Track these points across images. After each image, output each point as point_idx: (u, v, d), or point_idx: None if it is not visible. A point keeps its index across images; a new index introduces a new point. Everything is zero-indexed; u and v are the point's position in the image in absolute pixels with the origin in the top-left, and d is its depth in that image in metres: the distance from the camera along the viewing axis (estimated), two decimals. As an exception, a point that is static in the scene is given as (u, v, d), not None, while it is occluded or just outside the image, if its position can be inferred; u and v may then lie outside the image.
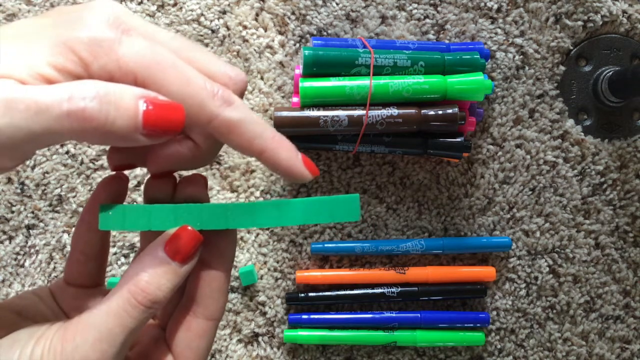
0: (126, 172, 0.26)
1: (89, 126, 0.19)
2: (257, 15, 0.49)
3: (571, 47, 0.49)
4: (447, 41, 0.49)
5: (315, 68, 0.43)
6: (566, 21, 0.49)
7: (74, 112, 0.18)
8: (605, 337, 0.50)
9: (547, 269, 0.50)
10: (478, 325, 0.48)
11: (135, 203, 0.48)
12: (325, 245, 0.48)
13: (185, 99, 0.21)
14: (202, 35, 0.49)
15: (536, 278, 0.50)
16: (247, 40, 0.49)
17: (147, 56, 0.20)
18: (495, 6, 0.49)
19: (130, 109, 0.19)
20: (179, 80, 0.21)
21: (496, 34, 0.49)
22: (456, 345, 0.49)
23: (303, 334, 0.48)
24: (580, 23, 0.49)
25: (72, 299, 0.26)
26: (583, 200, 0.50)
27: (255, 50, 0.49)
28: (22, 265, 0.49)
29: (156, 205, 0.23)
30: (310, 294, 0.48)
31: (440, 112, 0.43)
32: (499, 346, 0.50)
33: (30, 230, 0.49)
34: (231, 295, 0.49)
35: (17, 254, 0.49)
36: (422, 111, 0.43)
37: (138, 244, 0.49)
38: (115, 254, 0.49)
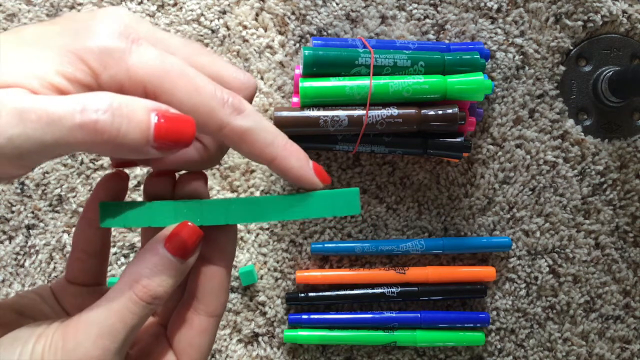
0: (126, 170, 0.26)
1: (101, 139, 0.19)
2: (257, 15, 0.49)
3: (571, 47, 0.49)
4: (447, 41, 0.49)
5: (315, 68, 0.43)
6: (566, 21, 0.49)
7: (86, 124, 0.18)
8: (605, 337, 0.50)
9: (547, 269, 0.50)
10: (478, 325, 0.48)
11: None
12: (325, 245, 0.48)
13: (196, 108, 0.21)
14: (202, 35, 0.49)
15: (536, 278, 0.50)
16: (247, 40, 0.49)
17: (157, 66, 0.20)
18: (495, 6, 0.49)
19: (142, 122, 0.19)
20: (189, 89, 0.21)
21: (496, 34, 0.49)
22: (456, 345, 0.49)
23: (303, 334, 0.48)
24: (580, 23, 0.49)
25: (74, 298, 0.26)
26: (583, 200, 0.50)
27: (255, 50, 0.49)
28: (22, 265, 0.49)
29: (156, 202, 0.23)
30: (310, 294, 0.48)
31: (440, 112, 0.43)
32: (499, 346, 0.50)
33: (30, 230, 0.49)
34: (231, 295, 0.49)
35: (17, 254, 0.49)
36: (422, 111, 0.43)
37: (138, 244, 0.49)
38: (115, 253, 0.49)
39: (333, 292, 0.48)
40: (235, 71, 0.23)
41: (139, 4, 0.49)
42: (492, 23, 0.49)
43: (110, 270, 0.48)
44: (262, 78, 0.49)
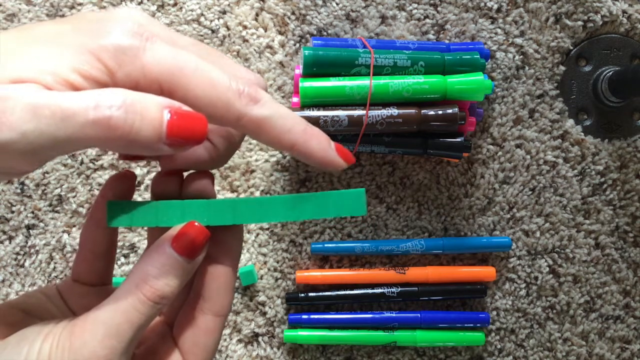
0: (131, 170, 0.26)
1: (114, 135, 0.19)
2: (257, 15, 0.49)
3: (571, 47, 0.49)
4: (447, 41, 0.49)
5: (315, 68, 0.43)
6: (566, 21, 0.49)
7: (100, 120, 0.18)
8: (605, 337, 0.50)
9: (547, 269, 0.50)
10: (478, 325, 0.48)
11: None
12: (325, 245, 0.48)
13: (212, 102, 0.21)
14: (202, 35, 0.49)
15: (536, 278, 0.50)
16: (247, 40, 0.49)
17: (171, 62, 0.21)
18: (495, 6, 0.49)
19: (155, 119, 0.19)
20: (204, 84, 0.21)
21: (496, 34, 0.49)
22: (456, 345, 0.49)
23: (303, 334, 0.48)
24: (580, 23, 0.49)
25: (80, 298, 0.26)
26: (583, 200, 0.50)
27: (255, 50, 0.49)
28: (22, 265, 0.49)
29: (163, 202, 0.23)
30: (310, 294, 0.48)
31: (440, 112, 0.43)
32: (499, 346, 0.50)
33: (30, 230, 0.49)
34: (231, 295, 0.49)
35: (17, 254, 0.49)
36: (422, 111, 0.43)
37: (138, 244, 0.49)
38: (115, 254, 0.49)
39: (333, 292, 0.48)
40: (245, 71, 0.23)
41: (139, 4, 0.49)
42: (492, 23, 0.49)
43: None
44: (262, 78, 0.49)
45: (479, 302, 0.50)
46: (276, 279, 0.49)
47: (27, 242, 0.49)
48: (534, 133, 0.49)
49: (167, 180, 0.24)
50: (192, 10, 0.48)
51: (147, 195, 0.48)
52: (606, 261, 0.50)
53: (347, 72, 0.43)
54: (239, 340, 0.49)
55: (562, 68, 0.49)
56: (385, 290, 0.48)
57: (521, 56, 0.49)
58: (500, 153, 0.49)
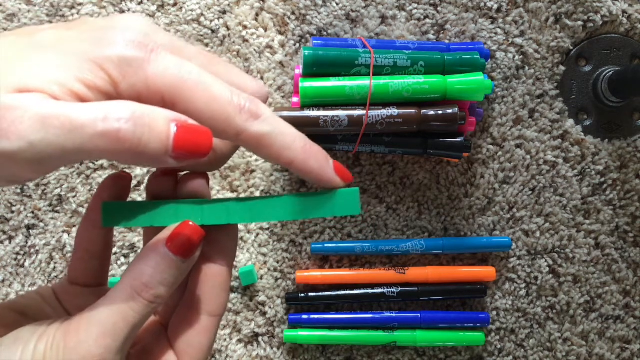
0: (127, 170, 0.26)
1: (122, 147, 0.19)
2: (257, 15, 0.49)
3: (571, 47, 0.49)
4: (447, 41, 0.49)
5: (315, 68, 0.43)
6: (566, 21, 0.49)
7: (108, 132, 0.19)
8: (605, 337, 0.50)
9: (547, 269, 0.50)
10: (478, 325, 0.48)
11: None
12: (325, 245, 0.48)
13: (213, 116, 0.21)
14: (202, 35, 0.49)
15: (536, 278, 0.50)
16: (247, 40, 0.49)
17: (175, 75, 0.21)
18: (495, 6, 0.49)
19: (162, 132, 0.20)
20: (206, 97, 0.21)
21: (496, 34, 0.49)
22: (456, 345, 0.49)
23: (303, 334, 0.48)
24: (580, 23, 0.49)
25: (76, 299, 0.26)
26: (583, 200, 0.50)
27: (255, 50, 0.49)
28: (22, 265, 0.49)
29: (158, 202, 0.24)
30: (310, 294, 0.48)
31: (440, 112, 0.43)
32: (499, 346, 0.50)
33: (30, 230, 0.49)
34: (231, 295, 0.49)
35: (17, 254, 0.49)
36: (422, 111, 0.43)
37: (138, 244, 0.49)
38: (115, 253, 0.49)
39: (333, 292, 0.48)
40: (249, 80, 0.24)
41: (139, 4, 0.49)
42: (492, 23, 0.49)
43: (110, 271, 0.48)
44: (262, 78, 0.49)
45: (479, 302, 0.50)
46: (276, 279, 0.49)
47: (27, 242, 0.49)
48: (534, 133, 0.49)
49: (162, 181, 0.25)
50: (192, 10, 0.48)
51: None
52: (606, 261, 0.50)
53: (347, 72, 0.43)
54: (239, 340, 0.49)
55: (562, 68, 0.49)
56: (385, 290, 0.48)
57: (521, 56, 0.49)
58: (500, 153, 0.49)
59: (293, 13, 0.49)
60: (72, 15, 0.48)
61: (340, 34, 0.49)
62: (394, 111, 0.43)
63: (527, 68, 0.49)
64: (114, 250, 0.49)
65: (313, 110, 0.43)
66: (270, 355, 0.49)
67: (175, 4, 0.49)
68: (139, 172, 0.48)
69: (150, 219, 0.23)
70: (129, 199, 0.26)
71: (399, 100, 0.43)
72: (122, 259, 0.49)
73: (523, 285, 0.50)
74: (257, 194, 0.49)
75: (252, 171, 0.49)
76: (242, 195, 0.49)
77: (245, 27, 0.49)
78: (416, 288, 0.48)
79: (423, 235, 0.50)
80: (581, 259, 0.50)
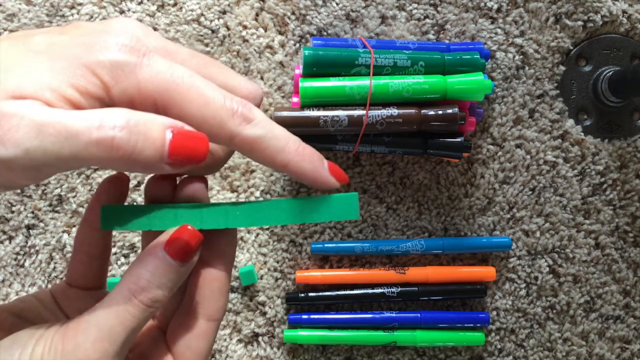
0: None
1: (116, 155, 0.19)
2: (257, 15, 0.49)
3: (571, 47, 0.49)
4: (447, 41, 0.49)
5: (315, 68, 0.43)
6: (566, 21, 0.49)
7: (103, 140, 0.19)
8: (605, 337, 0.50)
9: (547, 269, 0.50)
10: (478, 325, 0.48)
11: (135, 203, 0.48)
12: (325, 245, 0.48)
13: (205, 120, 0.21)
14: (202, 35, 0.49)
15: (536, 278, 0.50)
16: (247, 40, 0.49)
17: (167, 79, 0.21)
18: (495, 6, 0.49)
19: (157, 140, 0.20)
20: (198, 102, 0.21)
21: (496, 34, 0.49)
22: (456, 345, 0.49)
23: (303, 334, 0.48)
24: (580, 23, 0.49)
25: (74, 301, 0.26)
26: (583, 200, 0.50)
27: (255, 50, 0.49)
28: (22, 265, 0.49)
29: (157, 205, 0.24)
30: (310, 294, 0.48)
31: (440, 112, 0.43)
32: (499, 346, 0.50)
33: (30, 230, 0.49)
34: (231, 295, 0.49)
35: (17, 254, 0.49)
36: (422, 111, 0.43)
37: (138, 244, 0.49)
38: (115, 254, 0.49)
39: (333, 292, 0.48)
40: (243, 81, 0.24)
41: (139, 4, 0.49)
42: (492, 23, 0.49)
43: (110, 270, 0.48)
44: (262, 78, 0.49)
45: (479, 302, 0.50)
46: (276, 279, 0.49)
47: (27, 242, 0.49)
48: (534, 133, 0.49)
49: (161, 185, 0.25)
50: (192, 10, 0.48)
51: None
52: (606, 261, 0.50)
53: (347, 72, 0.43)
54: (239, 340, 0.49)
55: (562, 68, 0.49)
56: (385, 290, 0.48)
57: (521, 56, 0.49)
58: (500, 153, 0.49)
59: (293, 13, 0.49)
60: (72, 15, 0.48)
61: (340, 34, 0.49)
62: (394, 111, 0.43)
63: (527, 68, 0.49)
64: (114, 250, 0.49)
65: (313, 110, 0.43)
66: (270, 355, 0.49)
67: (175, 4, 0.49)
68: (139, 172, 0.48)
69: (149, 223, 0.23)
70: (128, 199, 0.26)
71: (399, 100, 0.43)
72: (122, 259, 0.49)
73: (523, 285, 0.50)
74: (257, 194, 0.49)
75: (252, 171, 0.49)
76: (242, 196, 0.49)
77: (245, 27, 0.49)
78: (416, 288, 0.48)
79: (423, 235, 0.50)
80: (581, 259, 0.50)
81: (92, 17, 0.48)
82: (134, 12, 0.49)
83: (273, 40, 0.49)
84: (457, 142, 0.44)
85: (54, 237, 0.49)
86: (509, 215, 0.50)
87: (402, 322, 0.48)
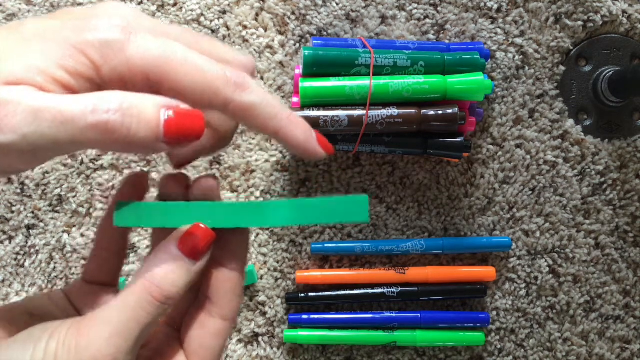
0: (144, 169, 0.26)
1: (111, 138, 0.19)
2: (257, 15, 0.49)
3: (571, 47, 0.49)
4: (447, 41, 0.49)
5: (315, 68, 0.43)
6: (566, 21, 0.49)
7: (97, 124, 0.19)
8: (605, 337, 0.50)
9: (547, 269, 0.50)
10: (478, 325, 0.48)
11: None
12: (325, 245, 0.48)
13: (200, 89, 0.21)
14: (202, 35, 0.49)
15: (536, 278, 0.50)
16: (247, 40, 0.49)
17: (157, 54, 0.21)
18: (495, 6, 0.49)
19: (152, 120, 0.20)
20: (192, 73, 0.21)
21: (496, 34, 0.49)
22: (456, 345, 0.49)
23: (303, 334, 0.48)
24: (580, 23, 0.49)
25: (88, 298, 0.26)
26: (583, 200, 0.50)
27: (255, 50, 0.49)
28: (22, 265, 0.49)
29: (170, 203, 0.24)
30: (310, 294, 0.48)
31: (440, 112, 0.43)
32: (499, 346, 0.50)
33: (30, 230, 0.49)
34: (231, 295, 0.49)
35: (17, 254, 0.49)
36: (422, 111, 0.43)
37: (138, 244, 0.49)
38: (115, 254, 0.49)
39: (333, 292, 0.48)
40: (236, 53, 0.24)
41: (139, 4, 0.49)
42: (492, 23, 0.49)
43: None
44: (262, 78, 0.49)
45: (479, 302, 0.50)
46: (276, 279, 0.49)
47: (27, 242, 0.49)
48: (534, 133, 0.49)
49: (174, 183, 0.25)
50: (192, 10, 0.48)
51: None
52: (606, 261, 0.50)
53: (347, 72, 0.43)
54: (239, 340, 0.49)
55: (562, 68, 0.49)
56: (385, 290, 0.48)
57: (521, 56, 0.49)
58: (500, 153, 0.49)
59: (293, 13, 0.49)
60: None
61: (340, 34, 0.49)
62: (394, 111, 0.43)
63: (527, 68, 0.49)
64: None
65: (313, 110, 0.43)
66: (270, 355, 0.49)
67: (175, 4, 0.49)
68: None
69: (162, 220, 0.24)
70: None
71: (399, 100, 0.43)
72: (122, 259, 0.49)
73: (523, 285, 0.50)
74: (257, 193, 0.49)
75: (252, 171, 0.49)
76: (242, 196, 0.49)
77: (245, 27, 0.49)
78: (416, 288, 0.48)
79: (423, 235, 0.50)
80: (581, 259, 0.50)
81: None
82: (134, 12, 0.49)
83: (273, 40, 0.49)
84: (457, 142, 0.44)
85: (54, 237, 0.49)
86: (509, 215, 0.50)
87: (402, 322, 0.48)
